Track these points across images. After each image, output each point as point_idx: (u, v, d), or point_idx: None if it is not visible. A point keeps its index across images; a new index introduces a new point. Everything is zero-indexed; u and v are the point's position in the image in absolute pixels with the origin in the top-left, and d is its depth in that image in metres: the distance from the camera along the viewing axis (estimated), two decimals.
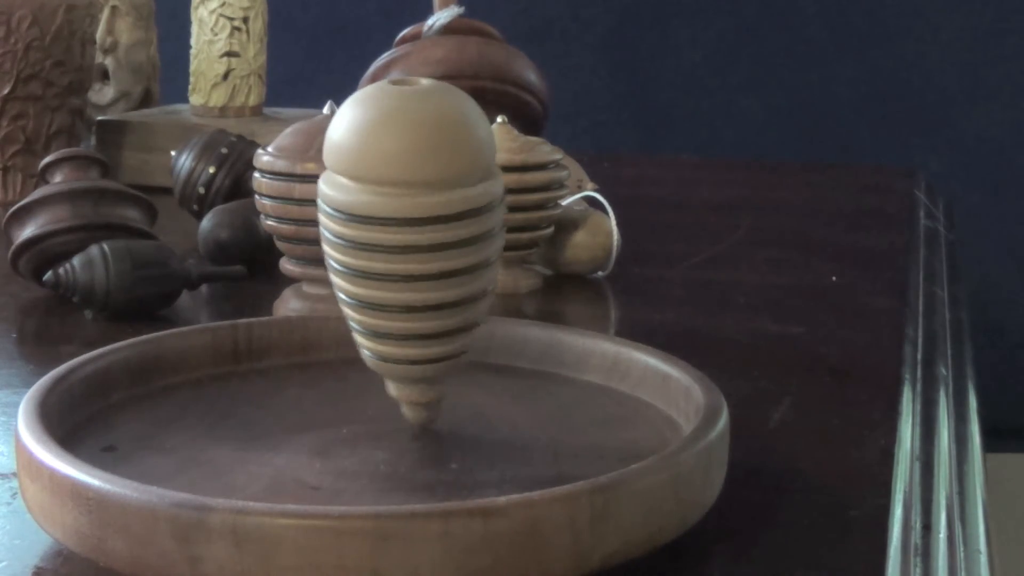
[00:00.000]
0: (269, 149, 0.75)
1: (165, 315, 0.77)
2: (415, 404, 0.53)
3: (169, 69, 1.31)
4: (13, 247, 0.80)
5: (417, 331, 0.50)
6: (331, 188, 0.49)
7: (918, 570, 0.52)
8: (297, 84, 1.53)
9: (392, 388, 0.53)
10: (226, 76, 1.17)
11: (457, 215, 0.48)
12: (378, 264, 0.49)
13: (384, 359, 0.51)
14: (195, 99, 1.18)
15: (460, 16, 1.01)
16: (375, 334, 0.50)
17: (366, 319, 0.50)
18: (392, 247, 0.48)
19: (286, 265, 0.76)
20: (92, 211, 0.79)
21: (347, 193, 0.49)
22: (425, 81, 0.50)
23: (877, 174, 1.31)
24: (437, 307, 0.49)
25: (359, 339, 0.51)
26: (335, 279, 0.50)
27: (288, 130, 0.76)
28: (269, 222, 0.75)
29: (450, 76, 0.97)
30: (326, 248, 0.50)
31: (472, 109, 0.49)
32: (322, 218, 0.50)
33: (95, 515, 0.44)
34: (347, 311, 0.51)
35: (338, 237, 0.49)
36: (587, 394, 0.58)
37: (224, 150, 0.92)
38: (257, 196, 0.75)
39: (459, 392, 0.57)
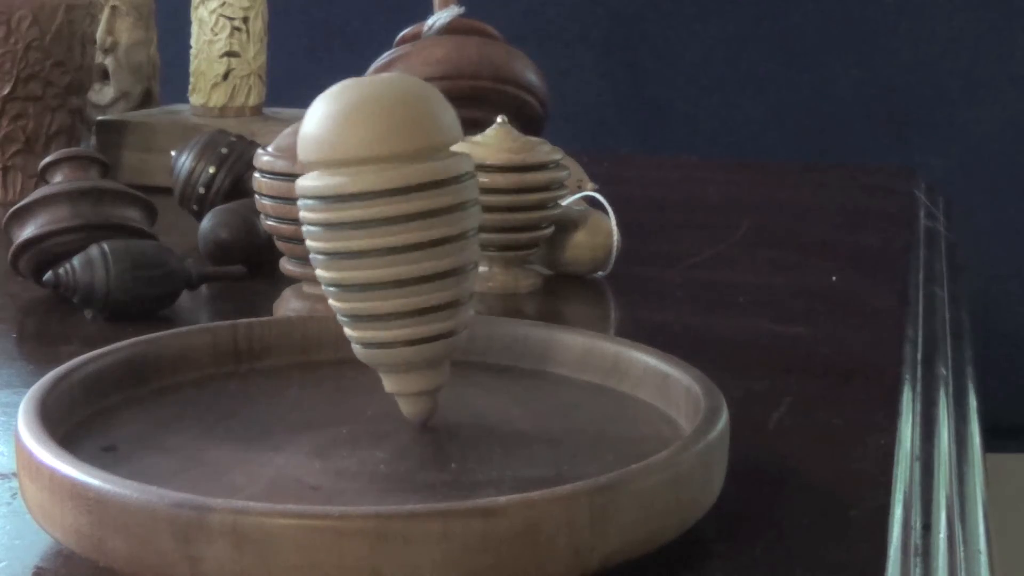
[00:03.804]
0: (269, 149, 0.75)
1: (165, 315, 0.77)
2: (412, 395, 0.53)
3: (169, 69, 1.31)
4: (13, 247, 0.80)
5: (408, 307, 0.51)
6: (309, 180, 0.51)
7: (918, 570, 0.52)
8: (297, 84, 1.53)
9: (389, 383, 0.53)
10: (226, 76, 1.17)
11: (434, 183, 0.50)
12: (363, 242, 0.50)
13: (378, 345, 0.51)
14: (195, 99, 1.18)
15: (460, 16, 1.01)
16: (368, 319, 0.51)
17: (357, 305, 0.51)
18: (375, 220, 0.50)
19: (286, 265, 0.76)
20: (92, 211, 0.79)
21: (325, 178, 0.50)
22: (384, 74, 0.53)
23: (877, 174, 1.31)
24: (425, 278, 0.50)
25: (351, 332, 0.52)
26: (322, 273, 0.51)
27: (288, 130, 0.76)
28: (269, 222, 0.75)
29: (450, 76, 0.97)
30: (310, 244, 0.51)
31: (434, 93, 0.52)
32: (304, 214, 0.51)
33: (95, 515, 0.44)
34: (338, 304, 0.51)
35: (320, 225, 0.51)
36: (587, 394, 0.58)
37: (224, 150, 0.92)
38: (257, 196, 0.75)
39: (459, 392, 0.58)
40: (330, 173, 0.50)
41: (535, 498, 0.43)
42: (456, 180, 0.51)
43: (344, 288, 0.51)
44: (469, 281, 0.52)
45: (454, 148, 0.52)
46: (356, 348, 0.52)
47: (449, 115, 0.52)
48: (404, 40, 1.02)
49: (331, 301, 0.52)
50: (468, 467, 0.51)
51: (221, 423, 0.55)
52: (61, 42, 1.08)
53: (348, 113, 0.50)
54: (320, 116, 0.50)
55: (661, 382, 0.56)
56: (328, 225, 0.50)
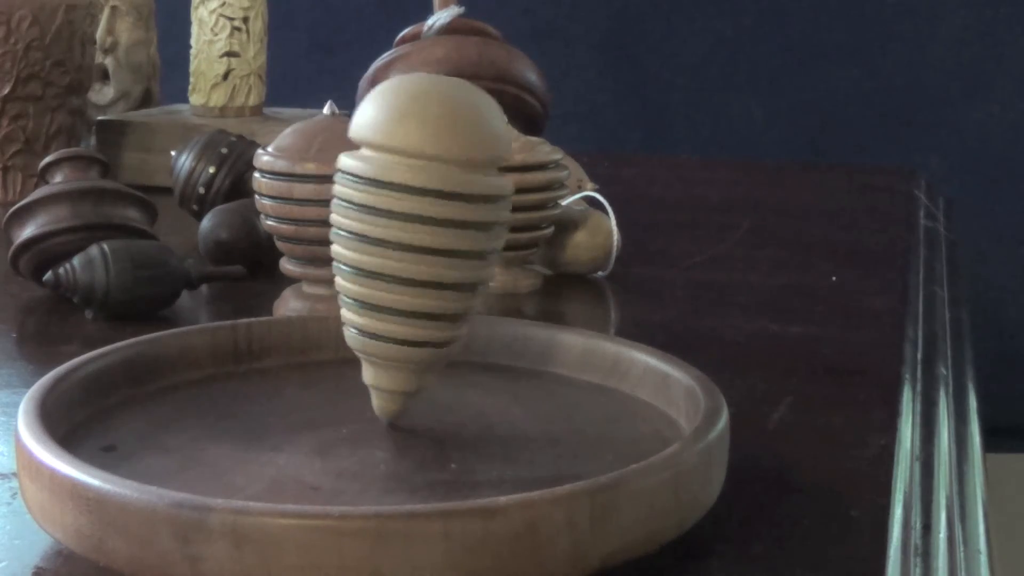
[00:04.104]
0: (269, 149, 0.75)
1: (165, 315, 0.77)
2: (387, 392, 0.53)
3: (169, 69, 1.31)
4: (13, 247, 0.80)
5: (411, 307, 0.51)
6: (353, 157, 0.51)
7: (918, 570, 0.52)
8: (297, 84, 1.53)
9: (368, 373, 0.53)
10: (226, 76, 1.17)
11: (472, 196, 0.50)
12: (387, 231, 0.50)
13: (371, 335, 0.51)
14: (195, 99, 1.18)
15: (460, 16, 1.01)
16: (368, 307, 0.51)
17: (363, 290, 0.51)
18: (405, 215, 0.50)
19: (286, 265, 0.76)
20: (92, 211, 0.79)
21: (371, 159, 0.50)
22: (457, 79, 0.53)
23: (877, 174, 1.31)
24: (437, 284, 0.50)
25: (348, 315, 0.52)
26: (339, 250, 0.51)
27: (288, 130, 0.76)
28: (269, 222, 0.75)
29: (450, 76, 0.97)
30: (336, 218, 0.51)
31: (496, 111, 0.52)
32: (338, 187, 0.51)
33: (95, 515, 0.44)
34: (344, 283, 0.52)
35: (351, 203, 0.51)
36: (587, 394, 0.58)
37: (224, 150, 0.92)
38: (257, 196, 0.75)
39: (459, 392, 0.58)
40: (379, 156, 0.50)
41: (535, 498, 0.43)
42: (493, 199, 0.51)
43: (355, 270, 0.51)
44: (476, 299, 0.52)
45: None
46: (348, 332, 0.53)
47: (506, 134, 0.52)
48: (404, 40, 1.02)
49: (337, 279, 0.52)
50: (468, 467, 0.51)
51: (221, 423, 0.55)
52: (61, 42, 1.08)
53: (412, 105, 0.50)
54: (386, 100, 0.51)
55: (661, 382, 0.56)
56: (359, 206, 0.50)
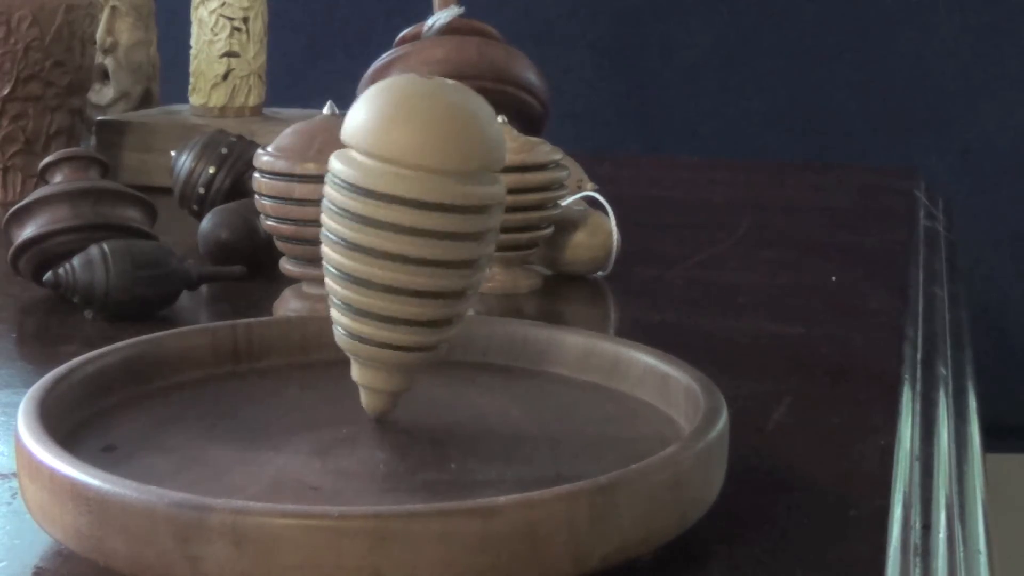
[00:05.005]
0: (269, 149, 0.75)
1: (165, 315, 0.77)
2: (375, 391, 0.53)
3: (169, 69, 1.31)
4: (13, 247, 0.80)
5: (399, 314, 0.50)
6: (344, 162, 0.50)
7: (918, 570, 0.52)
8: (297, 84, 1.53)
9: (357, 372, 0.53)
10: (226, 76, 1.17)
11: (461, 207, 0.49)
12: (376, 240, 0.49)
13: (359, 338, 0.51)
14: (195, 99, 1.18)
15: (460, 16, 1.01)
16: (356, 311, 0.51)
17: (350, 294, 0.51)
18: (394, 225, 0.49)
19: (286, 265, 0.76)
20: (92, 211, 0.79)
21: (362, 168, 0.50)
22: (449, 80, 0.52)
23: (877, 174, 1.31)
24: (425, 293, 0.50)
25: (337, 316, 0.52)
26: (328, 252, 0.51)
27: (288, 130, 0.76)
28: (269, 222, 0.75)
29: (450, 76, 0.97)
30: (325, 219, 0.51)
31: (491, 113, 0.51)
32: (328, 190, 0.51)
33: (95, 515, 0.44)
34: (332, 285, 0.51)
35: (341, 209, 0.50)
36: (587, 394, 0.58)
37: (224, 150, 0.92)
38: (257, 196, 0.75)
39: (459, 392, 0.58)
40: (368, 163, 0.50)
41: (535, 498, 0.43)
42: (484, 210, 0.50)
43: (345, 275, 0.51)
44: (466, 304, 0.52)
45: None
46: (337, 331, 0.53)
47: (499, 140, 0.51)
48: (404, 40, 1.02)
49: (327, 280, 0.52)
50: (468, 467, 0.51)
51: (221, 423, 0.55)
52: (61, 42, 1.08)
53: (406, 113, 0.49)
54: (378, 105, 0.50)
55: (661, 382, 0.56)
56: (346, 211, 0.50)
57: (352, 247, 0.50)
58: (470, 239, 0.50)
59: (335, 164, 0.51)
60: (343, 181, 0.50)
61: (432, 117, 0.49)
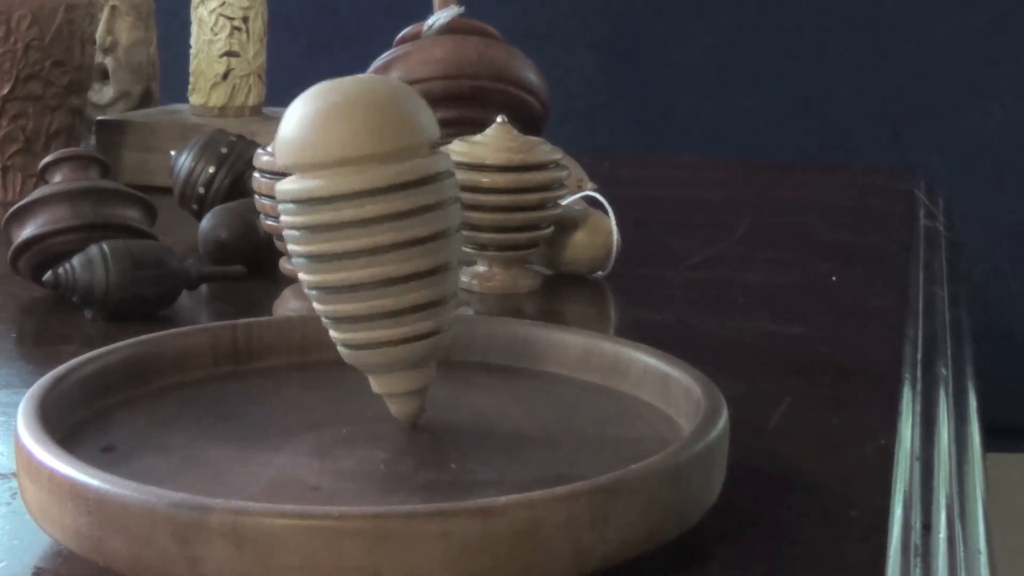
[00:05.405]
0: (269, 149, 0.75)
1: (165, 315, 0.77)
2: (400, 396, 0.53)
3: (169, 69, 1.31)
4: (13, 247, 0.80)
5: (390, 307, 0.51)
6: (288, 183, 0.51)
7: (918, 570, 0.52)
8: (297, 84, 1.53)
9: (376, 384, 0.53)
10: (226, 76, 1.17)
11: (414, 182, 0.50)
12: (341, 244, 0.50)
13: (363, 347, 0.51)
14: (195, 99, 1.18)
15: (460, 16, 1.01)
16: (351, 320, 0.51)
17: (339, 307, 0.51)
18: (352, 222, 0.50)
19: (286, 265, 0.76)
20: (92, 211, 0.79)
21: (302, 181, 0.50)
22: (359, 76, 0.53)
23: (877, 174, 1.31)
24: (405, 278, 0.50)
25: (336, 335, 0.52)
26: (305, 276, 0.51)
27: None
28: (269, 222, 0.75)
29: (450, 76, 0.97)
30: (291, 247, 0.51)
31: (408, 92, 0.52)
32: (284, 218, 0.51)
33: (95, 515, 0.44)
34: (321, 307, 0.51)
35: (299, 228, 0.50)
36: (587, 394, 0.58)
37: (224, 150, 0.92)
38: (257, 196, 0.75)
39: (459, 392, 0.58)
40: (307, 176, 0.50)
41: (535, 498, 0.43)
42: (432, 179, 0.51)
43: (326, 291, 0.51)
44: (451, 279, 0.52)
45: (442, 149, 0.52)
46: (342, 350, 0.52)
47: (425, 114, 0.51)
48: (404, 40, 1.02)
49: (315, 304, 0.52)
50: (468, 467, 0.51)
51: (221, 423, 0.55)
52: (61, 42, 1.08)
53: (322, 116, 0.50)
54: (296, 119, 0.50)
55: (661, 382, 0.56)
56: (307, 228, 0.50)
57: (326, 259, 0.50)
58: (429, 211, 0.50)
59: (280, 188, 0.51)
60: (291, 201, 0.51)
61: (348, 110, 0.50)
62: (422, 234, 0.50)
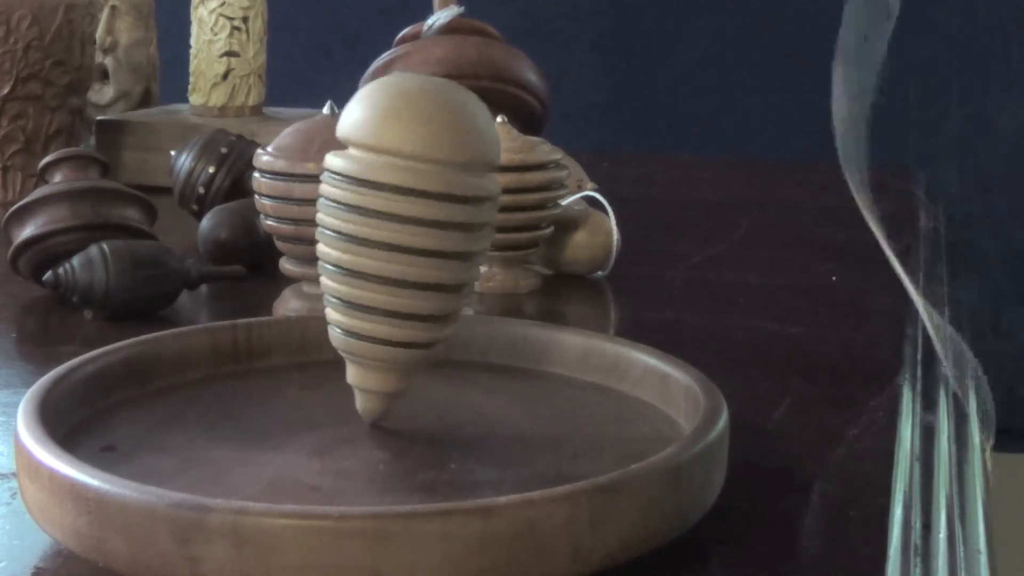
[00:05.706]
0: (269, 149, 0.75)
1: (165, 315, 0.77)
2: (373, 393, 0.53)
3: (169, 69, 1.31)
4: (13, 247, 0.80)
5: (397, 307, 0.51)
6: (341, 157, 0.51)
7: (918, 570, 0.52)
8: (297, 84, 1.53)
9: (352, 373, 0.53)
10: (226, 76, 1.17)
11: (457, 197, 0.50)
12: (375, 231, 0.50)
13: (356, 336, 0.51)
14: (195, 99, 1.18)
15: (460, 16, 1.01)
16: (354, 307, 0.51)
17: (349, 290, 0.51)
18: (393, 215, 0.50)
19: (286, 265, 0.76)
20: (92, 211, 0.79)
21: (360, 159, 0.50)
22: (446, 80, 0.53)
23: (877, 174, 1.31)
24: (423, 285, 0.50)
25: (334, 315, 0.52)
26: (325, 249, 0.51)
27: (288, 130, 0.76)
28: (269, 222, 0.75)
29: (450, 76, 0.97)
30: (322, 218, 0.51)
31: (485, 110, 0.52)
32: (325, 187, 0.51)
33: (95, 515, 0.44)
34: (330, 283, 0.52)
35: (342, 204, 0.51)
36: (587, 394, 0.58)
37: (224, 150, 0.92)
38: (257, 196, 0.75)
39: (459, 392, 0.58)
40: (365, 156, 0.50)
41: (535, 498, 0.43)
42: (477, 201, 0.51)
43: (342, 270, 0.51)
44: (462, 300, 0.52)
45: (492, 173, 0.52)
46: (333, 332, 0.53)
47: (493, 135, 0.52)
48: (404, 40, 1.02)
49: (323, 279, 0.52)
50: (468, 467, 0.51)
51: (221, 423, 0.55)
52: (61, 42, 1.08)
53: (399, 105, 0.50)
54: (375, 100, 0.51)
55: (661, 382, 0.56)
56: (346, 205, 0.50)
57: (348, 239, 0.50)
58: (464, 230, 0.50)
59: (332, 160, 0.51)
60: (339, 175, 0.51)
61: (427, 110, 0.50)
62: (446, 248, 0.50)
